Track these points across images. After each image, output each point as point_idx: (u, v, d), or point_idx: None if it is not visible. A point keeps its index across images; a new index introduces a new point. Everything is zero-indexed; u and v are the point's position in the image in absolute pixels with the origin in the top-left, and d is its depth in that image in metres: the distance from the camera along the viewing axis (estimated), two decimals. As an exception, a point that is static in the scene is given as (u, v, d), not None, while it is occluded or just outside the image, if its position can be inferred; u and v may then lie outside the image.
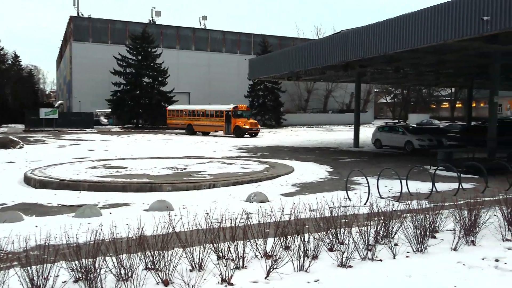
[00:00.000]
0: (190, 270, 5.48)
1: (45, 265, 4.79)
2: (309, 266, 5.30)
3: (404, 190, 11.77)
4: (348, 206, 9.76)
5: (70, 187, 11.86)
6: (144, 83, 49.36)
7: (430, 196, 10.78)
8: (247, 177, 13.18)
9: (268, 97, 54.56)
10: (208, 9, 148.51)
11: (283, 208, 8.07)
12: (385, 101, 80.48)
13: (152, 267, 5.38)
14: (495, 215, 7.56)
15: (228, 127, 37.85)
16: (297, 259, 5.36)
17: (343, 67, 22.89)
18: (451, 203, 8.44)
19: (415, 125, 33.39)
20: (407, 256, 5.85)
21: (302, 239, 5.57)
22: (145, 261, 5.43)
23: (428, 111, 71.45)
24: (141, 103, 49.01)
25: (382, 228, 6.47)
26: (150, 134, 40.14)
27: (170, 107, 45.37)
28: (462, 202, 9.03)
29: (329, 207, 8.61)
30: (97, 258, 5.01)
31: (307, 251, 5.61)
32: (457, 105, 72.28)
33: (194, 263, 5.55)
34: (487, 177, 11.77)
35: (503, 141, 19.96)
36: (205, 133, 40.61)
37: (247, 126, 36.97)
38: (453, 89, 69.35)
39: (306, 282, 4.94)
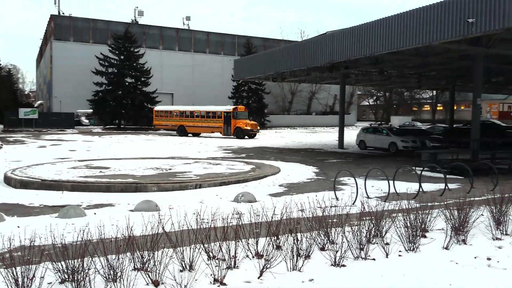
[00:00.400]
0: (181, 271, 5.34)
1: (30, 266, 4.60)
2: (302, 265, 5.21)
3: (391, 190, 11.82)
4: (337, 206, 9.72)
5: (52, 187, 11.56)
6: (127, 83, 48.82)
7: (417, 196, 10.81)
8: (234, 178, 13.05)
9: (252, 98, 54.51)
10: (192, 9, 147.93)
11: (275, 208, 7.95)
12: (368, 104, 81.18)
13: (142, 267, 5.23)
14: (482, 214, 7.61)
15: (228, 128, 37.46)
16: (290, 259, 5.27)
17: (328, 69, 22.96)
18: (440, 203, 8.48)
19: (398, 127, 33.70)
20: (399, 255, 5.81)
21: (296, 239, 5.47)
22: (134, 261, 5.28)
23: (410, 113, 72.29)
24: (123, 103, 48.44)
25: (374, 228, 6.43)
26: (133, 135, 39.67)
27: (157, 108, 44.11)
28: (450, 202, 9.08)
29: (318, 207, 8.58)
30: (85, 258, 4.84)
31: (300, 251, 5.52)
32: (438, 108, 73.24)
33: (185, 263, 5.41)
34: (473, 177, 11.85)
35: (483, 143, 20.26)
36: (196, 134, 40.09)
37: (248, 128, 36.88)
38: (434, 92, 70.34)
39: (300, 282, 4.85)
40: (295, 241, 5.43)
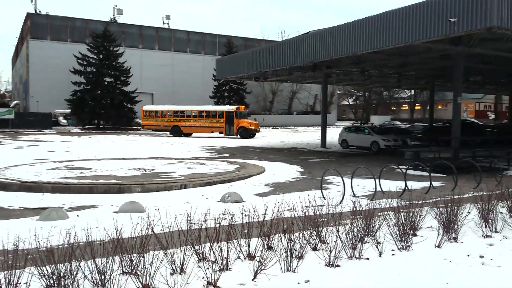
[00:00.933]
0: (171, 274, 5.19)
1: (14, 271, 4.38)
2: (296, 266, 5.11)
3: (377, 188, 11.85)
4: (324, 205, 9.67)
5: (32, 189, 11.21)
6: (106, 83, 48.08)
7: (403, 195, 10.85)
8: (219, 177, 12.90)
9: (233, 98, 54.34)
10: (172, 9, 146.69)
11: (266, 208, 7.85)
12: (348, 103, 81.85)
13: (131, 271, 5.06)
14: (469, 212, 7.64)
15: (230, 128, 37.24)
16: (284, 260, 5.17)
17: (311, 68, 22.97)
18: (427, 201, 8.50)
19: (379, 126, 33.98)
20: (392, 254, 5.76)
21: (290, 239, 5.37)
22: (122, 265, 5.10)
23: (389, 113, 73.18)
24: (102, 103, 47.67)
25: (365, 227, 6.38)
26: (113, 135, 39.04)
27: (146, 107, 42.42)
28: (437, 200, 9.13)
29: (306, 206, 8.53)
30: (72, 262, 4.65)
31: (292, 251, 5.42)
32: (416, 107, 74.39)
33: (175, 266, 5.26)
34: (457, 175, 11.96)
35: (463, 141, 20.56)
36: (187, 135, 39.43)
37: (252, 127, 37.14)
38: (412, 92, 71.35)
39: (296, 283, 4.75)
40: (290, 241, 5.32)
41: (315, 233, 6.17)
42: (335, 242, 5.43)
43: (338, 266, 5.26)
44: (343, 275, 4.98)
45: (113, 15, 60.48)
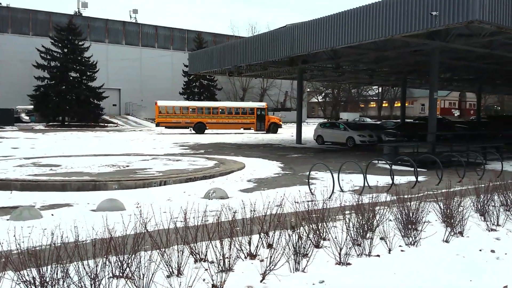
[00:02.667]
0: (168, 276, 4.71)
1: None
2: (306, 265, 4.72)
3: (361, 183, 11.65)
4: (313, 201, 9.34)
5: (-1, 187, 10.39)
6: (71, 78, 46.35)
7: (391, 189, 10.66)
8: (200, 173, 12.38)
9: (204, 94, 53.53)
10: (139, 3, 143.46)
11: (254, 204, 7.44)
12: (317, 101, 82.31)
13: (122, 274, 4.54)
14: (461, 205, 7.47)
15: (261, 124, 39.59)
16: (293, 259, 4.76)
17: (288, 63, 22.67)
18: (417, 195, 8.27)
19: (354, 122, 34.16)
20: (402, 251, 5.47)
21: (299, 236, 4.96)
22: (111, 267, 4.57)
23: (358, 110, 74.07)
24: (67, 99, 45.91)
25: (368, 222, 6.05)
26: (79, 132, 37.65)
27: (161, 103, 39.35)
28: (426, 193, 8.95)
29: (295, 202, 8.16)
30: (57, 266, 4.10)
31: (300, 249, 5.02)
32: (383, 105, 75.62)
33: (172, 268, 4.78)
34: (442, 170, 11.88)
35: (437, 137, 20.76)
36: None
37: (280, 123, 41.16)
38: (380, 90, 72.47)
39: (311, 284, 4.36)
40: (299, 238, 4.91)
41: (313, 229, 5.80)
42: (345, 239, 5.06)
43: (349, 264, 4.91)
44: (357, 274, 4.63)
45: (78, 8, 58.54)
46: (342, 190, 10.69)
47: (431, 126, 18.69)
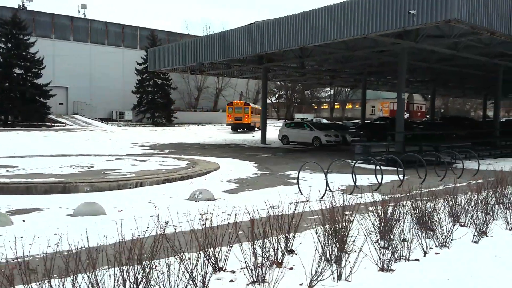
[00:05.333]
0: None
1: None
2: (350, 273, 4.19)
3: (347, 183, 11.37)
4: (307, 201, 8.87)
5: (-49, 191, 9.14)
6: (15, 74, 43.37)
7: (379, 188, 10.41)
8: (177, 174, 11.59)
9: (158, 93, 51.89)
10: None
11: (256, 205, 6.87)
12: (270, 102, 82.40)
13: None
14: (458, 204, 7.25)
15: None
16: (336, 267, 4.22)
17: (257, 61, 22.16)
18: (408, 194, 8.01)
19: (319, 122, 34.21)
20: (436, 253, 5.07)
21: (341, 239, 4.42)
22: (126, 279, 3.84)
23: (311, 111, 74.88)
24: (11, 97, 42.87)
25: (389, 224, 5.63)
26: (26, 132, 35.18)
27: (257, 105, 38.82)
28: (417, 192, 8.71)
29: (289, 203, 7.69)
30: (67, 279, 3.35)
31: (342, 256, 4.48)
32: (335, 107, 76.95)
33: (195, 281, 4.11)
34: (426, 169, 11.80)
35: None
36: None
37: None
38: (332, 91, 73.68)
39: (367, 296, 3.84)
40: (343, 242, 4.37)
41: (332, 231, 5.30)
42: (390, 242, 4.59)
43: (392, 270, 4.44)
44: (405, 282, 4.15)
45: (22, 2, 55.14)
46: (330, 190, 10.28)
47: (399, 125, 18.83)
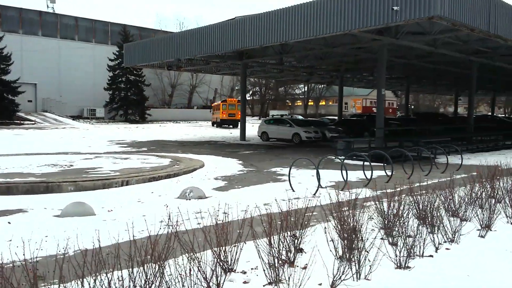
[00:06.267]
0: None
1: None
2: (370, 271, 4.08)
3: (335, 179, 11.35)
4: (300, 198, 8.78)
5: None
6: (-19, 71, 41.84)
7: (369, 184, 10.41)
8: (163, 172, 11.29)
9: (131, 90, 50.93)
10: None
11: (253, 202, 6.72)
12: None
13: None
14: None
15: None
16: (356, 265, 4.10)
17: (236, 57, 21.91)
18: (401, 188, 8.02)
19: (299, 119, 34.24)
20: (447, 249, 5.02)
21: (358, 236, 4.30)
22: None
23: (285, 108, 75.08)
24: (-23, 94, 41.38)
25: (395, 218, 5.57)
26: (-7, 130, 33.95)
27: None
28: (413, 186, 8.73)
29: (281, 199, 7.61)
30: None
31: (363, 254, 4.36)
32: (309, 103, 77.42)
33: (209, 282, 3.92)
34: (413, 164, 11.88)
35: (373, 132, 21.26)
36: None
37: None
38: (306, 88, 74.07)
39: (392, 294, 3.73)
40: (361, 240, 4.25)
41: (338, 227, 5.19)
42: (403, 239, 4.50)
43: (408, 267, 4.36)
44: (424, 279, 4.08)
45: (-13, -5, 53.00)
46: (321, 186, 10.19)
47: (379, 121, 18.95)
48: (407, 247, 4.40)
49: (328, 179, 11.42)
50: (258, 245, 4.39)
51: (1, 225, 6.64)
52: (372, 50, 21.13)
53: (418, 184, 9.30)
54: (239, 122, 42.70)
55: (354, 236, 4.29)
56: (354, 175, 12.26)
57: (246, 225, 4.84)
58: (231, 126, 42.60)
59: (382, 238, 5.15)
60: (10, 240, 5.83)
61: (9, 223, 6.81)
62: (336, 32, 15.35)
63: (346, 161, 15.33)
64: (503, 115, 67.36)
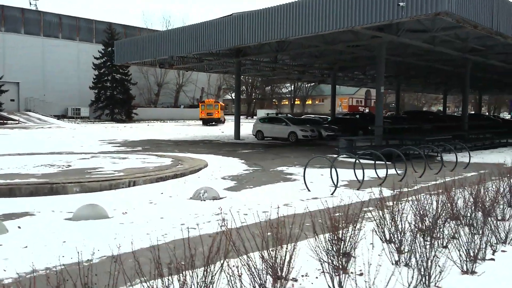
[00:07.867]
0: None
1: None
2: (441, 278, 3.77)
3: (347, 178, 11.12)
4: (318, 198, 8.47)
5: None
6: (-37, 69, 40.54)
7: (384, 183, 10.17)
8: (170, 172, 10.86)
9: (117, 89, 49.98)
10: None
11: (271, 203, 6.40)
12: (231, 98, 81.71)
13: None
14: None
15: None
16: (420, 272, 3.79)
17: (232, 54, 21.51)
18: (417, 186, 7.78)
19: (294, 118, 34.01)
20: (502, 251, 4.77)
21: (429, 243, 3.99)
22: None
23: (273, 107, 74.85)
24: (-42, 92, 40.08)
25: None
26: (-23, 130, 32.85)
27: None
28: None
29: (300, 200, 7.30)
30: None
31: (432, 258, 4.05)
32: (296, 102, 77.38)
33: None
34: (426, 161, 11.70)
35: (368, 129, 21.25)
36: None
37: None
38: (292, 87, 73.95)
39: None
40: (431, 244, 3.94)
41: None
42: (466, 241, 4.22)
43: (475, 272, 4.07)
44: (497, 285, 3.80)
45: (-34, -9, 51.48)
46: (336, 186, 9.90)
47: (378, 120, 18.80)
48: (473, 251, 4.11)
49: (340, 178, 11.11)
50: (313, 248, 4.07)
51: (11, 230, 6.16)
52: (369, 48, 20.99)
53: (427, 183, 9.11)
54: (222, 120, 47.49)
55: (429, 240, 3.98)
56: (361, 174, 11.98)
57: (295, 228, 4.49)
58: (213, 123, 45.96)
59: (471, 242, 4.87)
60: (26, 247, 5.39)
61: (19, 227, 6.34)
62: (338, 28, 15.09)
63: (349, 159, 15.22)
64: (487, 114, 68.26)
